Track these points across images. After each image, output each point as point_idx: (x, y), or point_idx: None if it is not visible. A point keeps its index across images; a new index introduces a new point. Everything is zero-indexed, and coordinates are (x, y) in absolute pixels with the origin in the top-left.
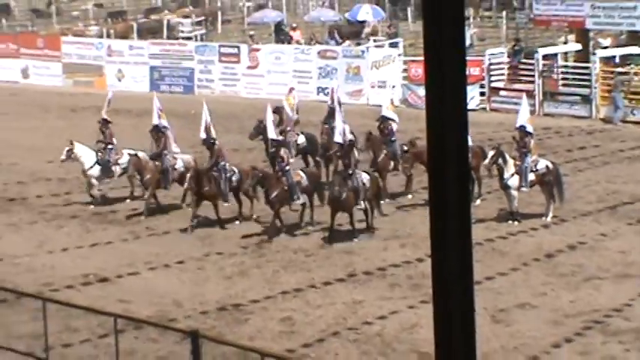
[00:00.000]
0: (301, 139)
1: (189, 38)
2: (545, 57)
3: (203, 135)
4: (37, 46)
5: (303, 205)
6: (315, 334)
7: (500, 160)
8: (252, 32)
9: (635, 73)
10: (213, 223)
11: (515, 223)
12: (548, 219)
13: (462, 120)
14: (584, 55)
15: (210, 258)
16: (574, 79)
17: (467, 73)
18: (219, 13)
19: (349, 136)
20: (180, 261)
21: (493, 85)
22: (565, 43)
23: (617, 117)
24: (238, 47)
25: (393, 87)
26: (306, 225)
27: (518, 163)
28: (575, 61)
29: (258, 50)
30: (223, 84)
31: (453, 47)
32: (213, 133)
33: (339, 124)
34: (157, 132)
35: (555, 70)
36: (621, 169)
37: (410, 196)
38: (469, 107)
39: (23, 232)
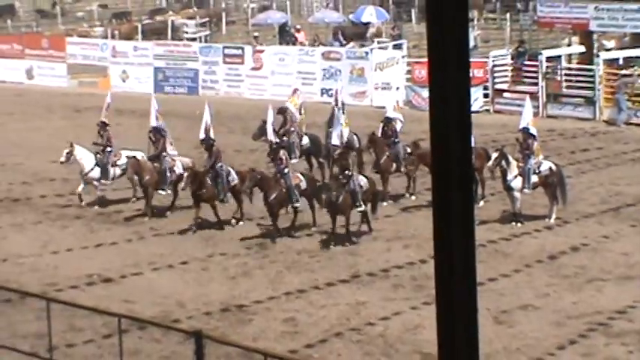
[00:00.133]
0: (305, 140)
1: (193, 39)
2: (548, 59)
3: (202, 135)
4: (41, 47)
5: (296, 209)
6: (318, 334)
7: (503, 162)
8: (256, 33)
9: (639, 75)
10: (215, 224)
11: (519, 224)
12: (552, 220)
13: (465, 122)
14: (587, 57)
15: (214, 259)
16: (578, 81)
17: (470, 74)
18: (224, 15)
19: (346, 139)
20: (184, 261)
21: (497, 86)
22: (569, 45)
23: (621, 119)
24: (242, 48)
25: (397, 88)
26: (304, 228)
27: (521, 164)
28: (578, 63)
29: (262, 51)
30: (227, 85)
31: (457, 49)
32: (212, 134)
33: (336, 126)
34: (156, 134)
35: (559, 72)
36: (624, 170)
37: (413, 198)
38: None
39: (27, 232)
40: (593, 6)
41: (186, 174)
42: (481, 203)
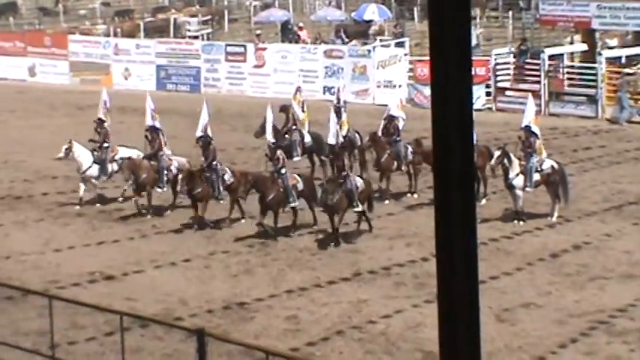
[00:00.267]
0: (307, 138)
1: (195, 37)
2: (551, 57)
3: (199, 133)
4: (44, 45)
5: (294, 209)
6: (320, 332)
7: (505, 160)
8: (258, 31)
9: None
10: (218, 221)
11: (521, 222)
12: (554, 219)
13: (467, 120)
14: (590, 56)
15: (216, 256)
16: (580, 79)
17: (473, 72)
18: (226, 13)
19: (342, 138)
20: (186, 259)
21: (499, 85)
22: (571, 43)
23: (623, 117)
24: (245, 46)
25: (400, 86)
26: (305, 226)
27: (523, 163)
28: (581, 61)
29: (264, 49)
30: (230, 83)
31: (459, 47)
32: (210, 132)
33: (332, 125)
34: (152, 132)
35: (561, 70)
36: (627, 169)
37: (415, 196)
38: (475, 107)
39: (30, 230)
40: (596, 4)
41: (180, 176)
42: (483, 201)
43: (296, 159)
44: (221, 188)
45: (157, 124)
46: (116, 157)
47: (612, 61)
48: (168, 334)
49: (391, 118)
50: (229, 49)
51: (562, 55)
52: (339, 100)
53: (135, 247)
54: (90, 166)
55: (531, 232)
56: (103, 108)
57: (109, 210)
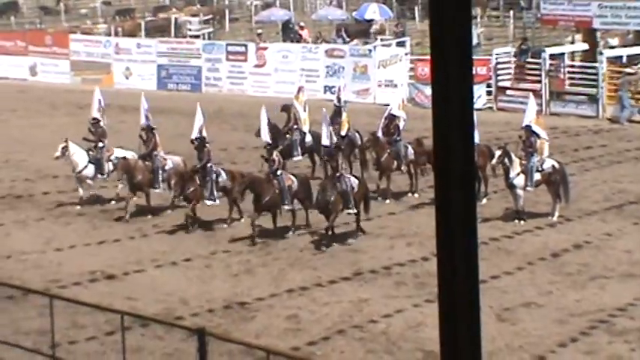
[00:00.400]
0: (308, 138)
1: (196, 36)
2: (552, 56)
3: (195, 134)
4: (45, 44)
5: (292, 210)
6: (320, 331)
7: (505, 160)
8: (259, 31)
9: None
10: (219, 221)
11: (521, 222)
12: (554, 218)
13: (468, 119)
14: (590, 55)
15: (217, 256)
16: (581, 78)
17: (474, 72)
18: (227, 12)
19: (335, 139)
20: (187, 258)
21: (500, 84)
22: (572, 42)
23: (624, 116)
24: (246, 46)
25: (401, 85)
26: (299, 227)
27: (524, 162)
28: (581, 60)
29: (265, 49)
30: (231, 82)
31: (460, 46)
32: (205, 134)
33: (325, 126)
34: (147, 132)
35: (562, 69)
36: (628, 168)
37: (416, 195)
38: (476, 106)
39: (30, 229)
40: (597, 3)
41: (173, 181)
42: (484, 201)
43: (297, 158)
44: (214, 190)
45: (152, 125)
46: (112, 157)
47: (613, 60)
48: (168, 333)
49: (392, 117)
50: (230, 48)
51: (563, 54)
52: (339, 99)
53: (136, 246)
54: (85, 166)
55: (532, 232)
56: (97, 107)
57: (110, 209)
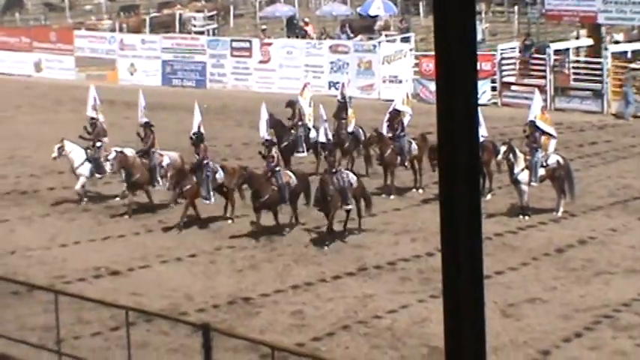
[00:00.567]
0: (313, 134)
1: (201, 32)
2: (556, 52)
3: (195, 129)
4: (50, 40)
5: (294, 209)
6: (325, 327)
7: (510, 155)
8: (264, 26)
9: None
10: (223, 217)
11: (526, 217)
12: (559, 214)
13: (472, 115)
14: (595, 50)
15: (222, 251)
16: (585, 74)
17: (478, 67)
18: (232, 8)
19: (330, 135)
20: (192, 254)
21: (504, 79)
22: (577, 38)
23: (629, 112)
24: (250, 41)
25: (406, 81)
26: (305, 224)
27: (528, 157)
28: (586, 56)
29: (269, 45)
30: (235, 78)
31: (464, 42)
32: (203, 131)
33: (321, 123)
34: (145, 129)
35: (567, 65)
36: (632, 164)
37: (421, 191)
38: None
39: (35, 225)
40: None
41: (169, 174)
42: (488, 196)
43: (302, 154)
44: (210, 188)
45: (145, 120)
46: (109, 157)
47: (618, 55)
48: (173, 329)
49: (396, 113)
50: (235, 44)
51: (568, 49)
52: (343, 95)
53: (140, 242)
54: (82, 164)
55: (536, 227)
56: (92, 105)
57: (115, 206)
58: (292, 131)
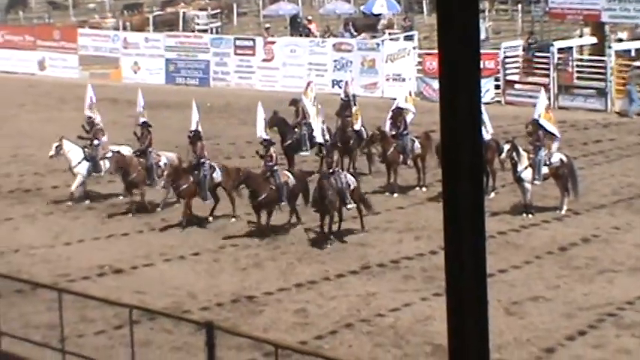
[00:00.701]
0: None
1: (204, 31)
2: (560, 50)
3: (193, 126)
4: (53, 38)
5: (294, 209)
6: (328, 325)
7: (514, 154)
8: (267, 25)
9: None
10: (227, 215)
11: (529, 216)
12: (563, 212)
13: (475, 113)
14: (599, 49)
15: (225, 250)
16: (589, 72)
17: (482, 66)
18: (235, 6)
19: (327, 136)
20: (196, 252)
21: (508, 78)
22: (580, 36)
23: (633, 110)
24: (254, 40)
25: (409, 79)
26: (306, 222)
27: (531, 156)
28: (590, 54)
29: (273, 43)
30: (239, 76)
31: (467, 40)
32: (200, 129)
33: (317, 123)
34: (142, 129)
35: (570, 63)
36: (636, 162)
37: (424, 190)
38: (484, 100)
39: (39, 223)
40: None
41: (166, 173)
42: (492, 195)
43: (305, 153)
44: (207, 189)
45: (143, 119)
46: (107, 156)
47: (622, 54)
48: (177, 327)
49: (399, 110)
50: (238, 42)
51: (571, 48)
52: (346, 94)
53: (144, 240)
54: (79, 162)
55: (540, 226)
56: (88, 104)
57: (119, 204)
58: (296, 130)
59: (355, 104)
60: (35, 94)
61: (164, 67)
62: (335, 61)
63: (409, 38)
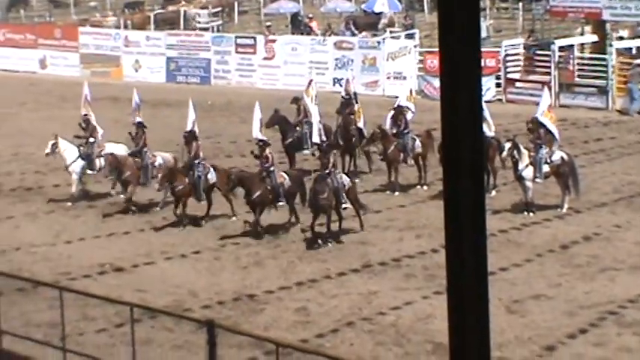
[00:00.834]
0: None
1: (205, 29)
2: (561, 48)
3: (189, 127)
4: (54, 37)
5: (293, 209)
6: (329, 324)
7: (515, 152)
8: (268, 23)
9: None
10: (227, 214)
11: (530, 214)
12: (564, 210)
13: (476, 111)
14: (600, 47)
15: (226, 248)
16: (590, 70)
17: (483, 64)
18: (236, 4)
19: (324, 136)
20: (196, 251)
21: (509, 76)
22: (581, 34)
23: (634, 108)
24: (255, 38)
25: (410, 78)
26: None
27: (532, 154)
28: (591, 52)
29: (274, 41)
30: (239, 75)
31: (468, 38)
32: (197, 129)
33: (315, 123)
34: (137, 129)
35: (571, 61)
36: (637, 160)
37: (425, 188)
38: (485, 98)
39: (40, 222)
40: None
41: (160, 175)
42: (493, 193)
43: (307, 151)
44: (201, 188)
45: (139, 119)
46: (103, 153)
47: (623, 52)
48: (178, 325)
49: (399, 109)
50: (239, 40)
51: (572, 46)
52: (347, 92)
53: (145, 238)
54: (74, 161)
55: (541, 224)
56: (83, 102)
57: (120, 202)
58: (297, 128)
59: (357, 102)
60: (36, 92)
61: (165, 66)
62: (336, 59)
63: (410, 36)
